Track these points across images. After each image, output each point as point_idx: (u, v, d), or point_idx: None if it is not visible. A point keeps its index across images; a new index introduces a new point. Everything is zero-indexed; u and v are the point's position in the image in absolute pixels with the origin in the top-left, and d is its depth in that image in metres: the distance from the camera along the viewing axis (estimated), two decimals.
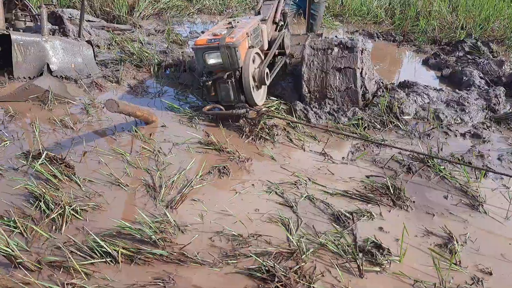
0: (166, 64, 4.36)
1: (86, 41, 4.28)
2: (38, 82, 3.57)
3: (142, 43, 5.04)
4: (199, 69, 3.54)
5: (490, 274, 1.90)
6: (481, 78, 4.15)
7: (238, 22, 3.37)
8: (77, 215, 2.16)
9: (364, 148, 2.96)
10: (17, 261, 1.82)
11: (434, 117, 3.36)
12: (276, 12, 4.00)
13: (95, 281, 1.79)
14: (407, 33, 6.32)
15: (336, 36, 3.69)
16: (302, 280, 1.81)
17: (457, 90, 3.84)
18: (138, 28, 5.97)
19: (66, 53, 4.00)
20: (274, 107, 3.47)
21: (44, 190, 2.28)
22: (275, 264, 1.85)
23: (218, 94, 3.23)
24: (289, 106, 3.50)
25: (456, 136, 3.17)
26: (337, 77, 3.40)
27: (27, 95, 3.49)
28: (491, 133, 3.22)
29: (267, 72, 3.34)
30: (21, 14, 4.71)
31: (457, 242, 2.05)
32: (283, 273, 1.81)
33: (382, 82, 3.75)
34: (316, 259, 1.95)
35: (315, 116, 3.34)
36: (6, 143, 2.85)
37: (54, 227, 2.10)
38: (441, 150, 2.94)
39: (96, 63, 4.29)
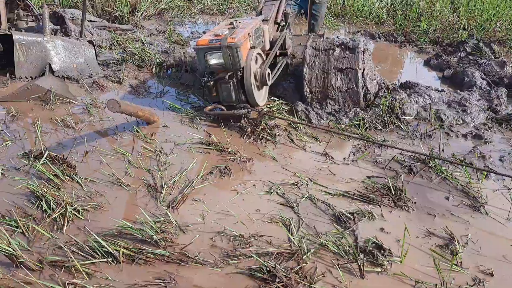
0: (167, 64, 4.37)
1: (88, 41, 4.29)
2: (40, 82, 3.58)
3: (143, 43, 5.04)
4: (201, 69, 3.55)
5: (491, 275, 1.89)
6: (482, 79, 4.14)
7: (239, 22, 3.37)
8: (78, 215, 2.17)
9: (366, 149, 2.96)
10: (19, 260, 1.82)
11: (436, 118, 3.36)
12: (277, 12, 4.00)
13: (96, 281, 1.80)
14: (408, 34, 6.31)
15: (337, 37, 3.69)
16: (303, 280, 1.81)
17: (458, 91, 3.83)
18: (140, 28, 5.98)
19: (68, 53, 4.01)
20: (275, 108, 3.47)
21: (45, 190, 2.28)
22: (276, 264, 1.85)
23: (219, 94, 3.23)
24: (291, 107, 3.50)
25: (457, 137, 3.17)
26: (339, 78, 3.40)
27: (29, 95, 3.50)
28: (492, 134, 3.22)
29: (268, 73, 3.34)
30: (23, 14, 4.72)
31: (458, 243, 2.05)
32: (284, 274, 1.81)
33: (383, 83, 3.75)
34: (317, 260, 1.95)
35: (317, 117, 3.34)
36: (8, 143, 2.85)
37: (55, 226, 2.10)
38: (443, 151, 2.94)
39: (98, 63, 4.30)
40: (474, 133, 3.19)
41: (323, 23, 5.66)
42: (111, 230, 2.07)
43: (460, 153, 2.89)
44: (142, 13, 6.55)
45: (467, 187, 2.52)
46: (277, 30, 4.01)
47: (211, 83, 3.17)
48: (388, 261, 1.93)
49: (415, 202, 2.38)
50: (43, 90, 3.51)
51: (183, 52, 4.90)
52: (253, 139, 3.04)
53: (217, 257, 1.94)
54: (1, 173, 2.51)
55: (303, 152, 2.93)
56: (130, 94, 3.84)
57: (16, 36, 3.75)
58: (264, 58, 3.49)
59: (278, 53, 3.83)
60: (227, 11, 7.35)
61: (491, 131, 3.26)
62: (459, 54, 5.19)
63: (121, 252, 1.89)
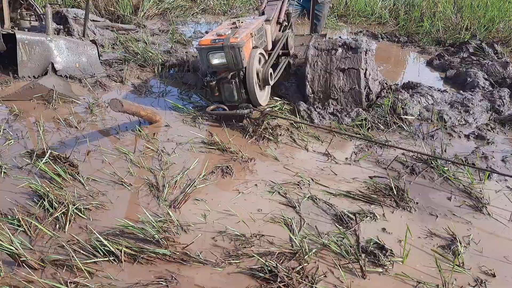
0: (170, 64, 4.37)
1: (90, 40, 4.30)
2: (43, 81, 3.59)
3: (146, 43, 5.05)
4: (203, 69, 3.55)
5: (493, 276, 1.89)
6: (485, 79, 4.13)
7: (242, 22, 3.37)
8: (80, 214, 2.17)
9: (368, 149, 2.96)
10: (21, 259, 1.83)
11: (438, 118, 3.35)
12: (280, 12, 4.00)
13: (98, 280, 1.80)
14: (411, 34, 6.30)
15: (340, 37, 3.69)
16: (304, 280, 1.81)
17: (461, 91, 3.83)
18: (142, 28, 5.99)
19: (70, 53, 4.02)
20: (277, 107, 3.47)
21: (48, 189, 2.29)
22: (278, 264, 1.85)
23: (221, 94, 3.24)
24: (293, 107, 3.50)
25: (460, 137, 3.16)
26: (341, 78, 3.39)
27: (32, 94, 3.51)
28: (495, 134, 3.21)
29: (270, 73, 3.34)
30: (26, 13, 4.73)
31: (460, 243, 2.05)
32: (285, 273, 1.81)
33: (386, 83, 3.74)
34: (319, 260, 1.95)
35: (319, 117, 3.33)
36: (11, 142, 2.86)
37: (57, 225, 2.11)
38: (445, 151, 2.93)
39: (101, 62, 4.31)
40: (476, 134, 3.18)
41: (325, 23, 5.65)
42: (113, 229, 2.07)
43: (463, 153, 2.89)
44: (144, 13, 6.56)
45: (469, 188, 2.51)
46: (279, 30, 4.01)
47: (214, 82, 3.17)
48: (389, 261, 1.93)
49: (417, 203, 2.38)
50: (45, 90, 3.52)
51: (186, 52, 4.90)
52: (255, 138, 3.04)
53: (219, 256, 1.94)
54: (4, 172, 2.52)
55: (305, 152, 2.93)
56: (133, 93, 3.85)
57: (19, 35, 3.76)
58: (267, 58, 3.49)
59: (280, 53, 3.83)
60: (229, 11, 7.35)
61: (493, 131, 3.25)
62: (461, 54, 5.18)
63: (122, 251, 1.90)
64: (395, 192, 2.41)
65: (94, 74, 4.10)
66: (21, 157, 2.70)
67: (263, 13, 3.90)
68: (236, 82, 3.15)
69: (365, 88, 3.41)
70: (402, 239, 2.02)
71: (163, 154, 2.80)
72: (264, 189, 2.47)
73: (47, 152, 2.63)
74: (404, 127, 3.24)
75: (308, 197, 2.39)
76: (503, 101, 3.58)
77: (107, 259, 1.89)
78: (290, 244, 2.03)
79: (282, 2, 4.09)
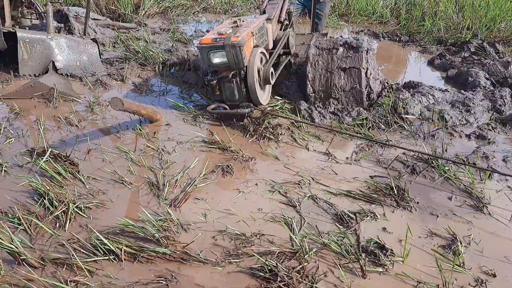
0: (171, 63, 4.37)
1: (91, 39, 4.30)
2: (44, 80, 3.59)
3: (147, 42, 5.05)
4: (204, 68, 3.55)
5: (494, 276, 1.89)
6: (486, 79, 4.13)
7: (243, 21, 3.37)
8: (81, 213, 2.17)
9: (368, 148, 2.95)
10: (21, 257, 1.83)
11: (439, 117, 3.35)
12: (281, 11, 3.99)
13: (98, 279, 1.80)
14: (412, 33, 6.29)
15: (341, 36, 3.68)
16: (304, 280, 1.80)
17: (462, 91, 3.82)
18: (143, 26, 5.99)
19: (71, 51, 4.02)
20: (278, 107, 3.47)
21: (48, 187, 2.29)
22: (278, 263, 1.85)
23: (222, 93, 3.23)
24: (294, 106, 3.50)
25: (461, 137, 3.16)
26: (342, 77, 3.39)
27: (33, 92, 3.51)
28: (496, 134, 3.21)
29: (271, 72, 3.34)
30: (27, 12, 4.74)
31: (461, 243, 2.04)
32: (285, 273, 1.81)
33: (387, 82, 3.74)
34: (319, 259, 1.94)
35: (319, 116, 3.33)
36: (11, 140, 2.86)
37: (58, 224, 2.11)
38: (446, 151, 2.93)
39: (101, 61, 4.31)
40: (477, 133, 3.17)
41: (326, 22, 5.64)
42: (113, 228, 2.07)
43: (463, 153, 2.88)
44: (145, 12, 6.56)
45: (470, 187, 2.51)
46: (280, 29, 4.01)
47: (214, 81, 3.16)
48: (390, 261, 1.93)
49: (417, 202, 2.38)
50: (46, 88, 3.53)
51: (187, 51, 4.90)
52: (256, 138, 3.04)
53: (219, 255, 1.94)
54: (4, 170, 2.52)
55: (306, 151, 2.92)
56: (133, 92, 3.85)
57: (20, 33, 3.76)
58: (268, 57, 3.49)
59: (281, 52, 3.83)
60: (230, 9, 7.35)
61: (494, 131, 3.25)
62: (463, 54, 5.17)
63: (123, 250, 1.90)
64: (395, 192, 2.41)
65: (95, 72, 4.10)
66: (22, 155, 2.70)
67: (264, 12, 3.89)
68: (237, 81, 3.15)
69: (366, 88, 3.40)
70: (403, 239, 2.02)
71: (163, 153, 2.80)
72: (265, 189, 2.47)
73: (47, 150, 2.63)
74: (405, 126, 3.23)
75: (309, 197, 2.39)
76: (504, 101, 3.58)
77: (107, 258, 1.89)
78: (291, 244, 2.03)
79: (283, 1, 4.09)
